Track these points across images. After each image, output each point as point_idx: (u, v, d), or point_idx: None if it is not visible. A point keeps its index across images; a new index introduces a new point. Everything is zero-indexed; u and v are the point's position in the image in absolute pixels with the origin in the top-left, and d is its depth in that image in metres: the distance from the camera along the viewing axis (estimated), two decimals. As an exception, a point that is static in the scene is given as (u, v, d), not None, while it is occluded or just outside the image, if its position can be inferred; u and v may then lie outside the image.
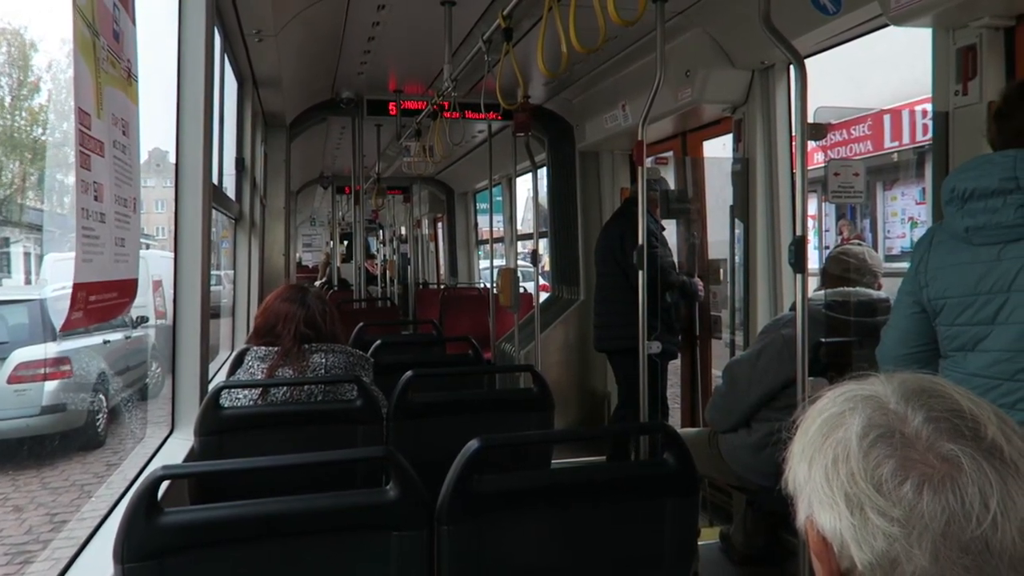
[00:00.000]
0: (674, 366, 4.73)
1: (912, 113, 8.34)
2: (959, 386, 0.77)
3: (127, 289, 1.63)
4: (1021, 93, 1.71)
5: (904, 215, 9.86)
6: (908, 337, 1.84)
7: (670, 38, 3.58)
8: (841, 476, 0.72)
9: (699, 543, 1.71)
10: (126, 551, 1.31)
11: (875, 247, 9.73)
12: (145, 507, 1.33)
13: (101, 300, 1.43)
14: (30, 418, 6.42)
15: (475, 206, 10.31)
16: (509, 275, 4.86)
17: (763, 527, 3.30)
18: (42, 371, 6.55)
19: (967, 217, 1.65)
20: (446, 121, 4.92)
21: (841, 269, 2.92)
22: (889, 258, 9.54)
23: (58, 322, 6.82)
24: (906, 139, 8.76)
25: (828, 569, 0.74)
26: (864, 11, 2.83)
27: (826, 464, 0.74)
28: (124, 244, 1.60)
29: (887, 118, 8.74)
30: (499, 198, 8.27)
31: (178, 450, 2.35)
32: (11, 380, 6.45)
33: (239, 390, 2.33)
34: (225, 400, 2.27)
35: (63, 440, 6.59)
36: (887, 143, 8.92)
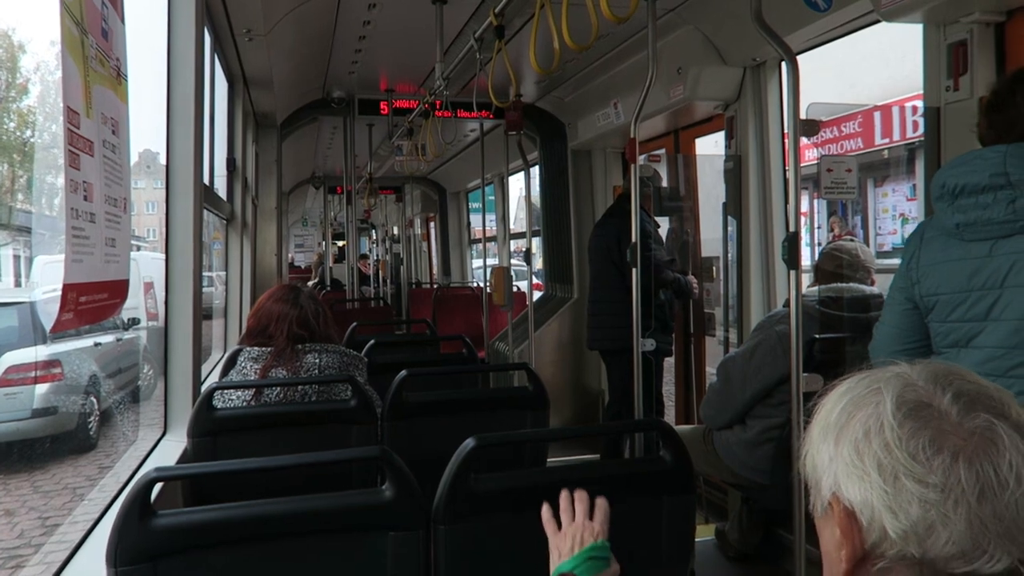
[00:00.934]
0: (668, 364, 4.73)
1: (903, 109, 8.37)
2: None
3: (118, 290, 1.62)
4: (1012, 86, 1.70)
5: (895, 211, 9.90)
6: (901, 333, 1.84)
7: (662, 35, 3.58)
8: (874, 447, 0.73)
9: (695, 540, 1.70)
10: (119, 554, 1.30)
11: (866, 243, 9.78)
12: (138, 510, 1.32)
13: (92, 301, 1.42)
14: (20, 421, 6.38)
15: (467, 205, 10.30)
16: (502, 273, 4.85)
17: (758, 524, 3.31)
18: (32, 374, 6.50)
19: (958, 213, 1.65)
20: (438, 120, 4.90)
21: (834, 265, 2.93)
22: (880, 254, 9.57)
23: (48, 324, 6.78)
24: (896, 136, 8.80)
25: (851, 545, 0.74)
26: (855, 7, 2.84)
27: (855, 438, 0.75)
28: (115, 244, 1.59)
29: (877, 115, 8.77)
30: (491, 197, 8.27)
31: (171, 452, 2.33)
32: (1, 383, 6.41)
33: (232, 391, 2.31)
34: (218, 401, 2.26)
35: (54, 443, 6.55)
36: (878, 140, 8.95)
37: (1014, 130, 1.65)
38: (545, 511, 1.34)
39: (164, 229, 2.58)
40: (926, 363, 0.79)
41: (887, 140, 8.95)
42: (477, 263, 10.30)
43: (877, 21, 2.80)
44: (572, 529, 1.30)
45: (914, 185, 9.35)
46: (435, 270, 11.45)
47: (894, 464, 0.71)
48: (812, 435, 0.81)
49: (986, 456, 0.69)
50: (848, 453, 0.74)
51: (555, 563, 1.28)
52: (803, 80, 2.49)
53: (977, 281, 1.63)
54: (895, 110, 8.55)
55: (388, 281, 9.91)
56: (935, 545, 0.69)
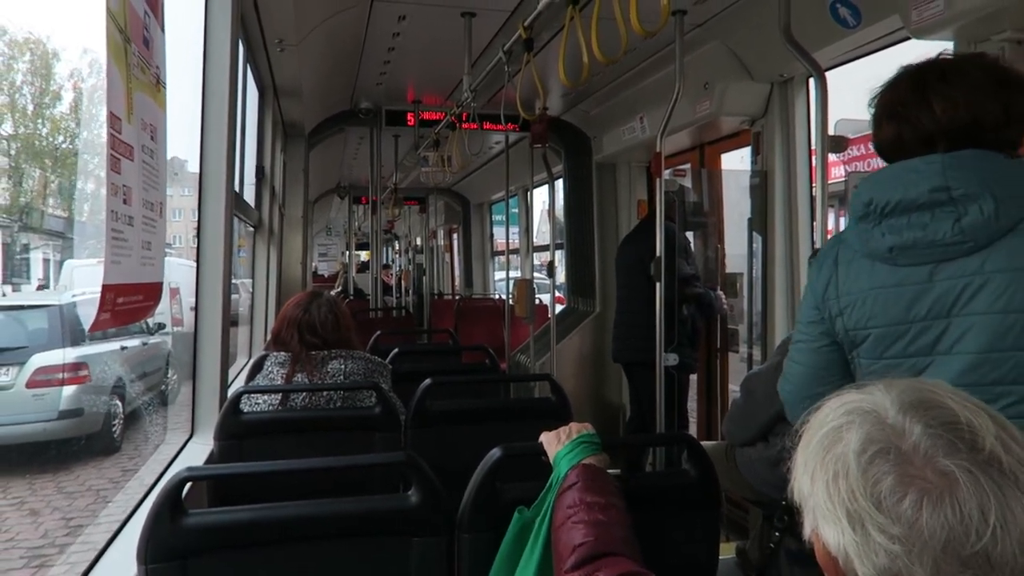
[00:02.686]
0: (691, 379, 4.71)
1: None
2: (958, 391, 0.76)
3: (152, 292, 1.65)
4: (914, 86, 1.43)
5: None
6: (819, 375, 1.57)
7: (689, 51, 3.59)
8: (842, 492, 0.72)
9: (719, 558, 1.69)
10: (150, 552, 1.32)
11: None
12: (169, 508, 1.34)
13: (128, 302, 1.45)
14: (48, 422, 6.48)
15: (491, 217, 10.34)
16: (525, 286, 4.87)
17: (780, 543, 3.27)
18: (60, 376, 6.61)
19: (891, 234, 1.39)
20: (464, 132, 4.94)
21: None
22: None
23: (82, 326, 6.89)
24: (925, 154, 8.72)
25: None
26: (885, 24, 2.83)
27: (827, 480, 0.74)
28: (150, 248, 1.62)
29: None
30: (515, 209, 8.29)
31: (198, 454, 2.36)
32: (30, 385, 6.52)
33: (258, 396, 2.34)
34: (245, 405, 2.28)
35: (79, 445, 6.64)
36: (906, 158, 8.88)
37: (935, 145, 1.39)
38: (544, 434, 1.52)
39: (191, 236, 2.62)
40: (903, 388, 0.77)
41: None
42: (499, 275, 10.32)
43: (907, 38, 2.79)
44: (564, 430, 1.50)
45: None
46: (457, 281, 11.49)
47: (860, 512, 0.71)
48: (796, 462, 0.80)
49: (951, 500, 0.67)
50: (821, 494, 0.75)
51: (552, 453, 1.46)
52: (831, 97, 2.49)
53: (918, 311, 1.38)
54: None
55: (410, 291, 9.96)
56: None
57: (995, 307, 1.31)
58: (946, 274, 1.35)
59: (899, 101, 1.44)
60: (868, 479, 0.71)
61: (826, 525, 0.74)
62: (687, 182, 4.81)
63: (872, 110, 1.51)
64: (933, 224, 1.35)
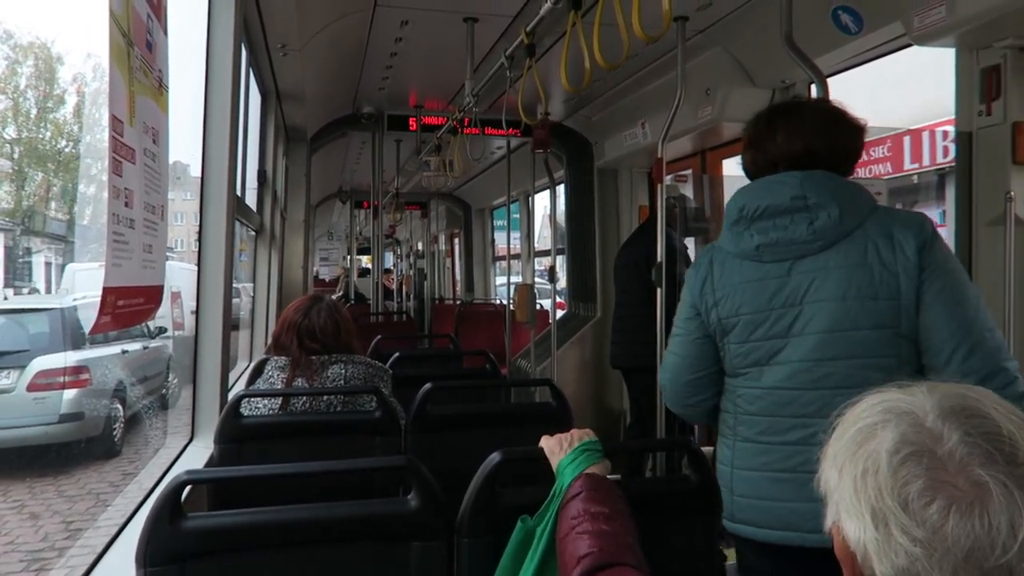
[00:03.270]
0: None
1: (932, 134, 8.29)
2: (1004, 402, 0.76)
3: (153, 295, 1.65)
4: (767, 123, 1.78)
5: (924, 237, 9.79)
6: (695, 363, 1.82)
7: (691, 56, 3.59)
8: (869, 489, 0.72)
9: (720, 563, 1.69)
10: (149, 555, 1.31)
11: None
12: (168, 511, 1.34)
13: (129, 305, 1.45)
14: (48, 426, 6.48)
15: (492, 222, 10.34)
16: (526, 291, 4.87)
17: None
18: (61, 379, 6.62)
19: (758, 235, 1.69)
20: (466, 137, 4.95)
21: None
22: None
23: (81, 329, 6.90)
24: (927, 161, 8.71)
25: (850, 573, 0.75)
26: (886, 31, 2.84)
27: (855, 474, 0.74)
28: (152, 251, 1.62)
29: (907, 139, 8.70)
30: (516, 215, 8.29)
31: (198, 457, 2.36)
32: (31, 388, 6.53)
33: (258, 400, 2.34)
34: (245, 409, 2.28)
35: (80, 448, 6.64)
36: (907, 164, 8.86)
37: (778, 167, 1.73)
38: (544, 439, 1.51)
39: (194, 240, 2.62)
40: (946, 393, 0.76)
41: (917, 165, 8.87)
42: (501, 280, 10.33)
43: (909, 45, 2.79)
44: (566, 437, 1.48)
45: (944, 211, 9.25)
46: (458, 286, 11.49)
47: (885, 510, 0.70)
48: (827, 454, 0.80)
49: (981, 511, 0.67)
50: (848, 488, 0.74)
51: (555, 463, 1.45)
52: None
53: (778, 300, 1.67)
54: (925, 135, 8.47)
55: (411, 296, 9.96)
56: None
57: (836, 295, 1.61)
58: (800, 268, 1.65)
59: (755, 134, 1.80)
60: (898, 479, 0.70)
61: (849, 519, 0.74)
62: (688, 188, 4.82)
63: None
64: (792, 226, 1.65)
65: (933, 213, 9.83)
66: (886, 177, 8.61)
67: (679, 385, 1.87)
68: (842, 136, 1.75)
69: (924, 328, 1.57)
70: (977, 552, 0.66)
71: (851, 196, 1.66)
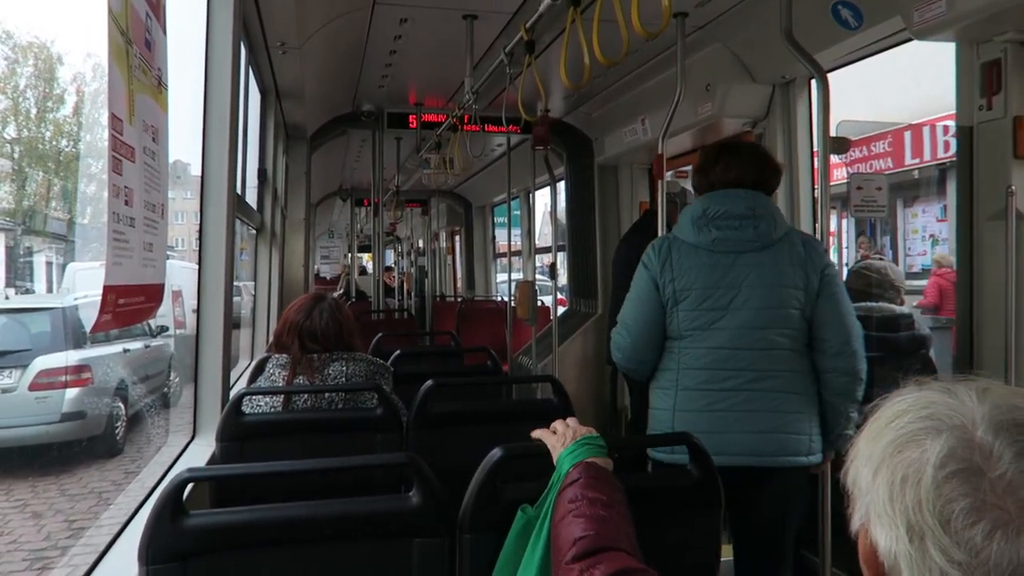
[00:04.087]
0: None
1: (933, 129, 8.28)
2: None
3: (154, 294, 1.65)
4: (716, 157, 2.35)
5: (925, 232, 9.76)
6: (651, 326, 2.29)
7: (690, 52, 3.59)
8: (907, 500, 0.69)
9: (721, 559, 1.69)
10: (151, 553, 1.32)
11: (896, 264, 9.67)
12: (171, 509, 1.34)
13: (130, 304, 1.45)
14: (50, 425, 6.48)
15: (493, 219, 10.34)
16: (527, 288, 4.86)
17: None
18: (63, 379, 6.62)
19: (717, 231, 2.22)
20: (466, 134, 4.94)
21: (863, 284, 2.91)
22: (910, 275, 9.44)
23: (83, 328, 6.90)
24: (927, 155, 8.70)
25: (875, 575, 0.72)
26: (886, 25, 2.83)
27: (893, 481, 0.70)
28: (152, 249, 1.62)
29: (908, 134, 8.69)
30: (517, 212, 8.29)
31: (200, 455, 2.36)
32: (32, 387, 6.52)
33: (260, 397, 2.34)
34: (246, 407, 2.29)
35: (82, 447, 6.64)
36: (908, 159, 8.86)
37: (715, 188, 2.31)
38: (539, 431, 1.54)
39: (194, 239, 2.62)
40: (998, 403, 0.71)
41: (918, 160, 8.86)
42: (502, 277, 10.32)
43: (909, 39, 2.79)
44: (567, 429, 1.50)
45: (944, 206, 9.23)
46: (459, 283, 11.49)
47: (923, 526, 0.67)
48: (859, 447, 0.77)
49: None
50: (882, 493, 0.71)
51: (556, 454, 1.46)
52: (833, 98, 2.49)
53: (724, 281, 2.19)
54: (926, 130, 8.46)
55: (412, 294, 9.96)
56: None
57: (767, 282, 2.17)
58: (742, 260, 2.20)
59: (703, 163, 2.38)
60: (941, 495, 0.67)
61: (880, 526, 0.70)
62: (689, 184, 4.81)
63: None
64: (742, 228, 2.21)
65: (934, 208, 9.83)
66: (887, 172, 8.60)
67: (637, 344, 2.32)
68: (763, 173, 2.32)
69: (818, 313, 2.19)
70: None
71: (778, 213, 2.27)
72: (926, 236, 9.75)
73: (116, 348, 7.41)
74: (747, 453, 2.13)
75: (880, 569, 0.71)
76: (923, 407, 0.74)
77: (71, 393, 6.57)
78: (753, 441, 2.13)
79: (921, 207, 9.86)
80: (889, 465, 0.72)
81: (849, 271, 3.04)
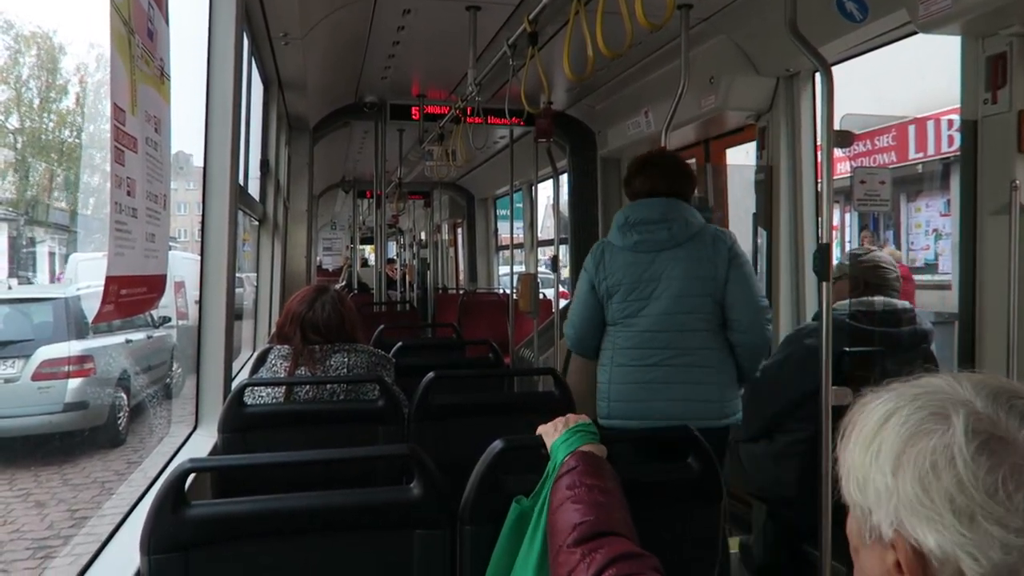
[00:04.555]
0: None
1: (937, 123, 8.25)
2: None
3: (156, 284, 1.65)
4: (637, 167, 2.72)
5: (928, 227, 9.73)
6: (591, 317, 2.70)
7: (694, 45, 3.58)
8: (945, 483, 0.68)
9: (720, 552, 1.69)
10: (153, 543, 1.32)
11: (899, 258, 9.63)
12: (172, 499, 1.34)
13: (132, 294, 1.45)
14: (53, 415, 6.50)
15: (495, 212, 10.33)
16: (529, 280, 4.86)
17: (783, 538, 3.27)
18: (65, 368, 6.63)
19: (636, 235, 2.60)
20: (468, 126, 4.93)
21: (863, 272, 2.89)
22: (913, 270, 9.42)
23: (85, 318, 6.91)
24: (931, 150, 8.67)
25: None
26: (891, 19, 2.82)
27: (921, 472, 0.69)
28: (154, 240, 1.62)
29: (912, 128, 8.66)
30: (520, 204, 8.28)
31: (202, 446, 2.37)
32: (35, 377, 6.54)
33: (262, 388, 2.34)
34: (248, 398, 2.29)
35: (84, 437, 6.66)
36: (912, 154, 8.82)
37: (639, 196, 2.67)
38: (541, 427, 1.55)
39: (197, 230, 2.62)
40: (977, 380, 0.73)
41: (921, 154, 8.83)
42: (504, 270, 10.31)
43: (914, 33, 2.78)
44: (560, 420, 1.52)
45: (948, 200, 9.20)
46: (461, 276, 11.49)
47: (970, 504, 0.66)
48: (854, 456, 0.75)
49: None
50: (912, 488, 0.69)
51: (549, 443, 1.48)
52: (837, 91, 2.47)
53: (646, 275, 2.58)
54: (930, 124, 8.43)
55: (415, 286, 9.96)
56: None
57: (682, 274, 2.55)
58: (661, 257, 2.58)
59: (629, 174, 2.74)
60: (979, 469, 0.66)
61: (921, 524, 0.68)
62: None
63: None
64: (658, 232, 2.58)
65: (937, 202, 9.80)
66: (890, 166, 8.57)
67: (582, 332, 2.75)
68: (676, 182, 2.67)
69: (728, 296, 2.56)
70: None
71: (691, 215, 2.63)
72: (929, 231, 9.72)
73: (119, 339, 7.42)
74: (666, 417, 2.52)
75: (926, 571, 0.69)
76: (911, 401, 0.74)
77: (74, 383, 6.59)
78: (671, 407, 2.54)
79: (925, 201, 9.83)
80: (908, 459, 0.70)
81: (849, 257, 3.01)
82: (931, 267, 9.33)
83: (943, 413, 0.71)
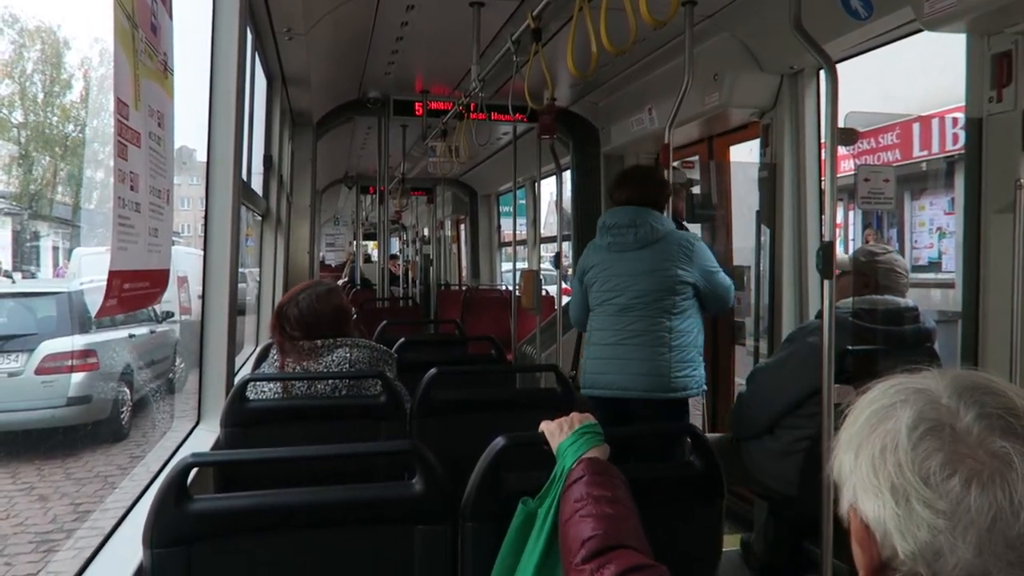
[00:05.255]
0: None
1: (942, 121, 8.22)
2: (1014, 385, 0.77)
3: (159, 279, 1.65)
4: (617, 181, 3.23)
5: (932, 225, 9.68)
6: (583, 302, 3.26)
7: (699, 41, 3.56)
8: (888, 466, 0.72)
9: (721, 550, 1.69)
10: (155, 537, 1.32)
11: (901, 256, 9.58)
12: (175, 493, 1.35)
13: (135, 289, 1.45)
14: (56, 409, 6.50)
15: (498, 208, 10.32)
16: (531, 277, 4.86)
17: (785, 536, 3.27)
18: (69, 363, 6.63)
19: (611, 238, 3.09)
20: (472, 122, 4.93)
21: (868, 270, 2.88)
22: (916, 268, 9.39)
23: (87, 313, 6.90)
24: (936, 148, 8.64)
25: (869, 556, 0.75)
26: (896, 16, 2.81)
27: (873, 454, 0.74)
28: (157, 235, 1.62)
29: (916, 126, 8.63)
30: (523, 201, 8.28)
31: (204, 440, 2.37)
32: (39, 371, 6.54)
33: (264, 384, 2.34)
34: (251, 393, 2.29)
35: (87, 431, 6.66)
36: (916, 152, 8.78)
37: (620, 203, 3.12)
38: (544, 423, 1.55)
39: (200, 225, 2.62)
40: (956, 375, 0.77)
41: (926, 152, 8.79)
42: (506, 266, 10.31)
43: (919, 30, 2.76)
44: (565, 421, 1.51)
45: (952, 199, 9.17)
46: (464, 272, 11.49)
47: (905, 486, 0.70)
48: (840, 439, 0.81)
49: (1002, 481, 0.68)
50: (865, 468, 0.74)
51: (555, 445, 1.48)
52: (841, 89, 2.47)
53: (615, 271, 3.08)
54: (935, 122, 8.39)
55: (417, 282, 9.96)
56: (943, 569, 0.68)
57: (643, 272, 3.01)
58: (627, 256, 3.05)
59: (611, 185, 3.26)
60: (918, 454, 0.71)
61: (867, 498, 0.74)
62: (695, 174, 4.79)
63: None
64: (626, 234, 3.05)
65: (942, 201, 9.76)
66: (894, 164, 8.55)
67: (576, 314, 3.34)
68: (648, 193, 3.10)
69: (700, 291, 3.04)
70: (1000, 522, 0.66)
71: (657, 221, 3.05)
72: (933, 229, 9.67)
73: (122, 333, 7.42)
74: (622, 388, 3.02)
75: (873, 544, 0.74)
76: (890, 387, 0.79)
77: (77, 377, 6.59)
78: (627, 380, 3.01)
79: (929, 199, 9.78)
80: (868, 441, 0.76)
81: (862, 257, 2.99)
82: (935, 265, 9.29)
83: (902, 400, 0.76)
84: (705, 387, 3.21)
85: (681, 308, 3.02)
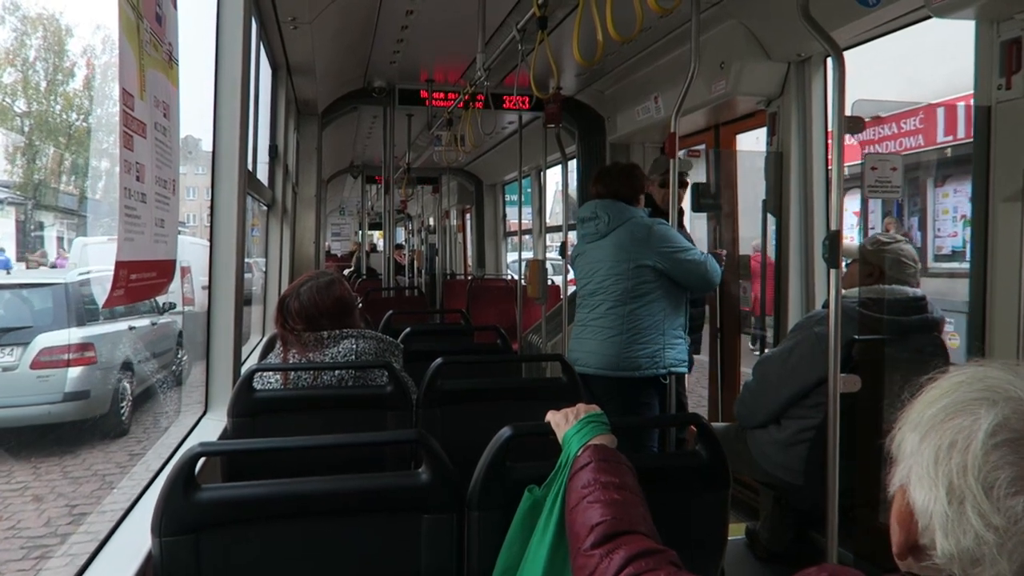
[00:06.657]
0: (700, 362, 4.67)
1: (968, 107, 8.09)
2: None
3: (166, 269, 1.66)
4: (593, 178, 3.49)
5: (956, 212, 9.39)
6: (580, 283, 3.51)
7: (705, 29, 3.54)
8: (952, 463, 0.70)
9: (727, 538, 1.70)
10: (164, 525, 1.33)
11: (924, 246, 9.44)
12: (183, 482, 1.35)
13: (141, 279, 1.45)
14: (53, 405, 6.19)
15: (504, 197, 10.30)
16: (537, 266, 4.86)
17: (790, 524, 3.28)
18: (66, 357, 6.30)
19: (582, 228, 3.42)
20: (477, 111, 4.91)
21: (879, 261, 2.87)
22: (939, 257, 9.26)
23: (97, 302, 6.71)
24: (961, 134, 8.45)
25: (905, 535, 0.74)
26: (905, 3, 2.79)
27: (940, 445, 0.72)
28: (163, 225, 1.62)
29: (941, 111, 8.48)
30: (528, 190, 8.25)
31: (212, 430, 2.38)
32: (34, 365, 6.20)
33: (271, 374, 2.34)
34: (257, 383, 2.29)
35: (86, 427, 6.39)
36: (940, 137, 8.58)
37: (600, 196, 3.38)
38: (550, 413, 1.55)
39: (206, 215, 2.62)
40: None
41: (951, 138, 8.58)
42: (512, 256, 10.31)
43: (927, 17, 2.74)
44: (571, 410, 1.51)
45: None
46: (470, 262, 11.49)
47: (964, 489, 0.68)
48: (909, 416, 0.78)
49: None
50: (928, 455, 0.72)
51: (561, 434, 1.48)
52: (849, 77, 2.45)
53: (586, 259, 3.39)
54: (960, 107, 8.24)
55: (423, 272, 9.96)
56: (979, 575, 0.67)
57: (608, 259, 3.26)
58: (595, 245, 3.34)
59: (591, 181, 3.49)
60: (988, 462, 0.68)
61: (920, 486, 0.72)
62: (701, 162, 4.77)
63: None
64: (592, 226, 3.35)
65: (966, 187, 9.58)
66: (917, 150, 8.42)
67: (579, 292, 3.53)
68: (618, 186, 3.36)
69: (674, 275, 3.20)
70: None
71: (618, 212, 3.29)
72: (957, 216, 9.41)
73: (121, 325, 7.17)
74: (594, 366, 3.27)
75: (913, 529, 0.73)
76: (980, 379, 0.75)
77: (74, 372, 6.28)
78: (586, 357, 3.30)
79: (953, 187, 9.50)
80: (938, 430, 0.73)
81: (868, 245, 2.97)
82: (958, 255, 9.07)
83: (990, 400, 0.72)
84: (680, 370, 3.29)
85: (640, 292, 3.21)
